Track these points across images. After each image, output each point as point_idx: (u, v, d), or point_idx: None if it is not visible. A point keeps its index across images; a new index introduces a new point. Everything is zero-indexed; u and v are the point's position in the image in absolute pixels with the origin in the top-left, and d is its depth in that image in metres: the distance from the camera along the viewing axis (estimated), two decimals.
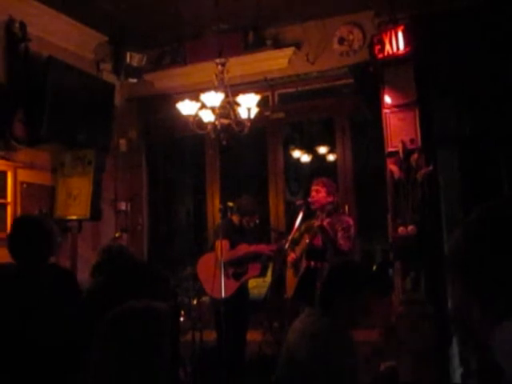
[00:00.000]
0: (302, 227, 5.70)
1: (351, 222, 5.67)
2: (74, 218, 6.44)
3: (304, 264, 5.57)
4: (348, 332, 2.97)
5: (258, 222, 6.26)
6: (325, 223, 5.50)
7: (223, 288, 5.67)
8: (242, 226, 6.20)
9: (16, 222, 4.05)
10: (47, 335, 3.19)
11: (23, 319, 3.22)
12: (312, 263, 5.51)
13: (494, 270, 1.19)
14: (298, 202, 5.85)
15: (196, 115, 5.61)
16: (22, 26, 5.95)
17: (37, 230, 3.49)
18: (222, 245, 5.89)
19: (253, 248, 6.05)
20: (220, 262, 5.88)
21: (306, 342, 2.84)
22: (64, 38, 6.68)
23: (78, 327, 3.22)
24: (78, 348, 3.05)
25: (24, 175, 6.13)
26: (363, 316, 3.02)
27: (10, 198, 5.94)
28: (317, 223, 5.49)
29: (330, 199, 5.65)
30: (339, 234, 5.49)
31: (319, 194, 5.64)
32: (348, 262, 3.73)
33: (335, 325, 2.88)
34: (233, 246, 6.04)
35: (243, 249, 6.04)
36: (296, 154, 8.89)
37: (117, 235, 5.73)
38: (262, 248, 6.08)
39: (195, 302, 6.36)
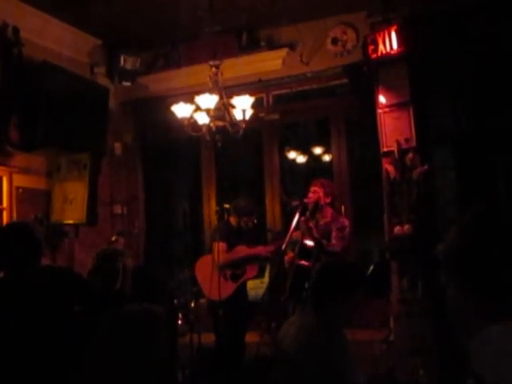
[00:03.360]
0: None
1: (347, 222, 5.68)
2: (71, 222, 6.44)
3: (295, 264, 5.58)
4: (342, 332, 2.97)
5: (255, 222, 6.26)
6: (321, 223, 5.52)
7: (221, 290, 5.67)
8: (240, 227, 6.19)
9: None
10: (42, 338, 3.19)
11: (15, 325, 3.22)
12: (303, 263, 5.52)
13: (488, 270, 1.19)
14: (295, 203, 5.85)
15: (191, 117, 5.60)
16: (16, 30, 5.94)
17: (19, 235, 3.49)
18: (218, 247, 5.89)
19: (251, 251, 6.04)
20: (217, 264, 5.89)
21: (302, 344, 2.84)
22: (58, 42, 6.68)
23: (75, 329, 3.22)
24: (75, 349, 3.06)
25: (19, 180, 6.12)
26: (353, 316, 3.02)
27: (5, 203, 5.94)
28: (302, 219, 5.51)
29: (327, 200, 5.66)
30: (333, 234, 5.51)
31: (317, 194, 5.65)
32: (339, 263, 3.74)
33: (329, 325, 2.87)
34: (230, 247, 6.03)
35: (241, 251, 6.03)
36: (291, 154, 8.88)
37: (113, 239, 5.72)
38: (260, 250, 6.07)
39: (193, 304, 6.35)
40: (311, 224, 5.53)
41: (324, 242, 5.44)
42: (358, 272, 3.14)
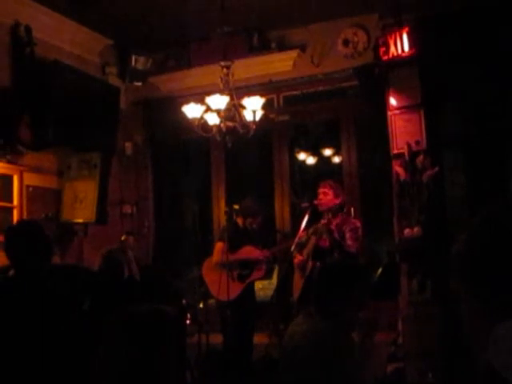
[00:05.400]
0: (310, 230, 5.70)
1: (358, 223, 5.67)
2: (80, 221, 6.46)
3: (310, 265, 5.57)
4: (349, 333, 2.95)
5: (260, 223, 6.26)
6: (333, 225, 5.51)
7: (228, 290, 5.68)
8: (247, 228, 6.21)
9: (10, 228, 4.04)
10: (53, 338, 3.20)
11: (23, 325, 3.22)
12: (318, 264, 5.51)
13: (498, 274, 1.19)
14: (304, 205, 5.85)
15: (201, 118, 5.61)
16: (28, 30, 5.96)
17: (30, 234, 3.51)
18: (217, 247, 6.03)
19: (243, 255, 6.06)
20: (213, 263, 5.96)
21: (309, 345, 2.82)
22: (69, 41, 6.71)
23: (83, 330, 3.24)
24: (83, 350, 3.06)
25: (30, 179, 6.14)
26: (358, 314, 2.98)
27: (16, 202, 5.96)
28: (323, 221, 5.51)
29: (337, 201, 5.66)
30: (347, 235, 5.49)
31: (327, 196, 5.64)
32: (339, 262, 3.72)
33: (336, 326, 2.85)
34: (235, 248, 6.04)
35: (242, 253, 6.06)
36: (301, 156, 8.89)
37: (123, 238, 5.73)
38: (255, 254, 6.08)
39: (201, 304, 6.36)
40: (332, 226, 5.52)
41: (343, 243, 5.44)
42: (360, 270, 3.09)
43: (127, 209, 7.52)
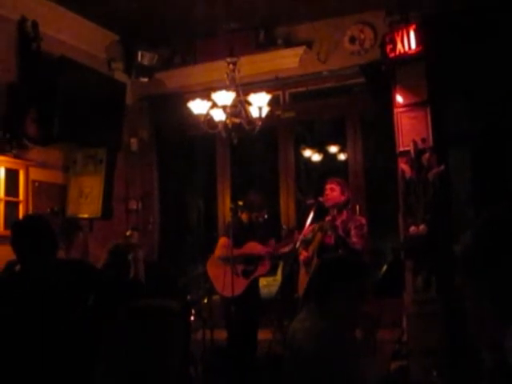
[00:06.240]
0: (316, 226, 5.70)
1: (364, 221, 5.67)
2: (86, 216, 6.47)
3: (316, 262, 5.56)
4: (351, 331, 2.93)
5: (266, 216, 6.27)
6: (338, 222, 5.51)
7: (233, 286, 5.69)
8: (252, 223, 6.20)
9: (16, 223, 4.05)
10: (56, 334, 3.21)
11: (32, 319, 3.23)
12: None
13: (505, 271, 1.19)
14: (309, 201, 5.85)
15: (207, 114, 5.62)
16: (34, 25, 5.97)
17: (36, 229, 3.51)
18: (220, 242, 6.13)
19: (247, 250, 6.07)
20: (216, 258, 6.08)
21: (310, 343, 2.80)
22: (76, 37, 6.71)
23: (88, 325, 3.24)
24: (88, 345, 3.07)
25: (36, 174, 6.16)
26: (360, 311, 2.93)
27: (22, 197, 5.98)
28: (328, 218, 5.51)
29: (343, 198, 5.67)
30: (352, 232, 5.49)
31: (333, 192, 5.65)
32: (339, 257, 3.69)
33: (337, 324, 2.82)
34: (239, 243, 6.04)
35: (246, 248, 6.06)
36: (307, 153, 8.87)
37: (128, 233, 5.75)
38: (258, 250, 6.08)
39: (206, 300, 6.37)
40: (337, 223, 5.52)
41: (348, 240, 5.43)
42: (360, 266, 3.04)
43: (132, 204, 7.54)
